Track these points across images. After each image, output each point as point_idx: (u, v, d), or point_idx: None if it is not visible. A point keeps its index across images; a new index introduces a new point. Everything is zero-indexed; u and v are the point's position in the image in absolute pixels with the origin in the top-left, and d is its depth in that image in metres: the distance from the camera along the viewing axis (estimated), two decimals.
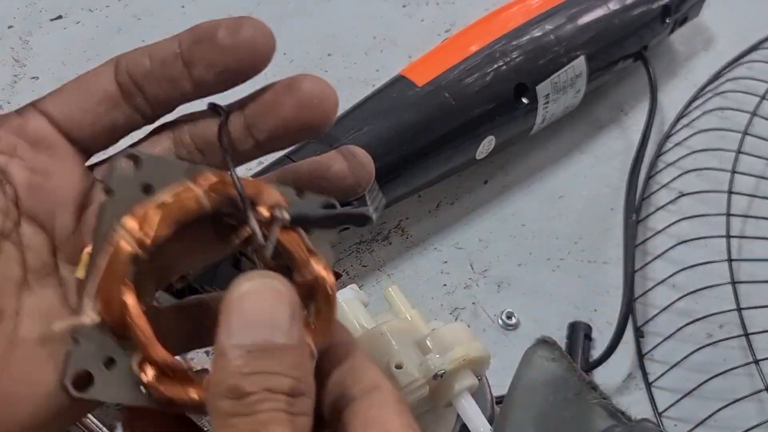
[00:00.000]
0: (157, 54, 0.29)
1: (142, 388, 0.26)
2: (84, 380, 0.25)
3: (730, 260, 0.56)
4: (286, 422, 0.22)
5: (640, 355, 0.55)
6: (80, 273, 0.26)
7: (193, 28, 0.28)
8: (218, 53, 0.28)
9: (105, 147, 0.29)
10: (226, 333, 0.23)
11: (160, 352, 0.25)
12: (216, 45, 0.28)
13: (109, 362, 0.26)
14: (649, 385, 0.54)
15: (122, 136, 0.29)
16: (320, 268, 0.27)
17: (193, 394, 0.25)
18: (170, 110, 0.30)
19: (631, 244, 0.57)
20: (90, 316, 0.25)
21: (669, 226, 0.59)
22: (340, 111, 0.56)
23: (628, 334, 0.54)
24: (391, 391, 0.26)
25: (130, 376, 0.26)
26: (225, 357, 0.23)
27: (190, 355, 0.43)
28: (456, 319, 0.55)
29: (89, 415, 0.47)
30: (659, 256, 0.58)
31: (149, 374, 0.25)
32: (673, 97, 0.68)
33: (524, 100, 0.57)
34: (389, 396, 0.26)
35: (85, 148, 0.29)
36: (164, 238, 0.26)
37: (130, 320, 0.25)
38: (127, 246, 0.25)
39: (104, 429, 0.47)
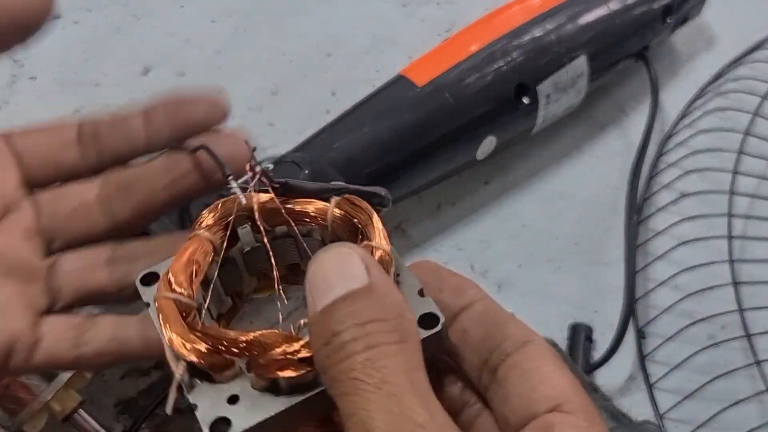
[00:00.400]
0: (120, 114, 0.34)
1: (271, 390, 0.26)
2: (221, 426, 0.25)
3: (731, 261, 0.56)
4: (392, 354, 0.23)
5: (642, 357, 0.55)
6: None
7: (159, 99, 0.35)
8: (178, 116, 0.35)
9: (48, 181, 0.34)
10: (312, 307, 0.24)
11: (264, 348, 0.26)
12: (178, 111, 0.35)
13: (232, 399, 0.26)
14: (650, 387, 0.54)
15: (66, 178, 0.34)
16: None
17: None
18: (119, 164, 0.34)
19: (633, 244, 0.57)
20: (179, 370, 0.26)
21: (670, 226, 0.59)
22: (341, 111, 0.56)
23: (630, 335, 0.54)
24: (544, 344, 0.26)
25: (255, 394, 0.26)
26: (315, 325, 0.24)
27: None
28: None
29: (87, 416, 0.47)
30: (660, 257, 0.58)
31: (269, 369, 0.26)
32: (674, 97, 0.67)
33: (525, 100, 0.57)
34: (544, 349, 0.26)
35: (30, 173, 0.34)
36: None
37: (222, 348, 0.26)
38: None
39: (102, 430, 0.47)
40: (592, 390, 0.48)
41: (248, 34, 0.69)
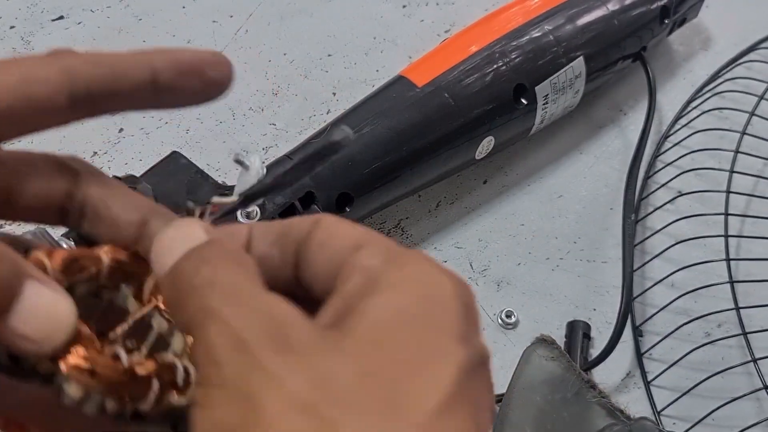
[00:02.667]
0: (127, 77, 0.28)
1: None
2: None
3: (728, 259, 0.56)
4: (230, 266, 0.23)
5: (639, 354, 0.55)
6: None
7: (170, 58, 0.28)
8: (204, 87, 0.28)
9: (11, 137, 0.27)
10: (160, 271, 0.25)
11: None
12: (204, 79, 0.29)
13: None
14: (647, 384, 0.54)
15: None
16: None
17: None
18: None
19: (630, 243, 0.57)
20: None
21: (667, 225, 0.59)
22: (341, 111, 0.57)
23: (627, 333, 0.55)
24: (330, 216, 0.26)
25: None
26: (166, 283, 0.24)
27: None
28: None
29: None
30: (658, 255, 0.58)
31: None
32: (671, 97, 0.68)
33: (523, 101, 0.57)
34: (331, 218, 0.26)
35: None
36: None
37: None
38: None
39: None
40: (590, 387, 0.48)
41: (249, 34, 0.69)
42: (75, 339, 0.24)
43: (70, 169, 0.27)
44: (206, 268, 0.23)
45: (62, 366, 0.24)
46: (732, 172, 0.60)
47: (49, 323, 0.24)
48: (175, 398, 0.25)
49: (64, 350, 0.24)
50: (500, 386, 0.46)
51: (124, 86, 0.27)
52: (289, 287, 0.26)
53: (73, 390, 0.24)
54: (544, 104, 0.58)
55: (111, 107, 0.28)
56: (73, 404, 0.24)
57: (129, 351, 0.26)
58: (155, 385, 0.25)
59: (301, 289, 0.26)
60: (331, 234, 0.25)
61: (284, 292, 0.25)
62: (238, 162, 0.36)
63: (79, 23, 0.69)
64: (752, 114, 0.63)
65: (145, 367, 0.25)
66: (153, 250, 0.26)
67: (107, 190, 0.27)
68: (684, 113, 0.66)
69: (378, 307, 0.22)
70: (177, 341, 0.26)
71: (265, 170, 0.35)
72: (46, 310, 0.24)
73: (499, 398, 0.48)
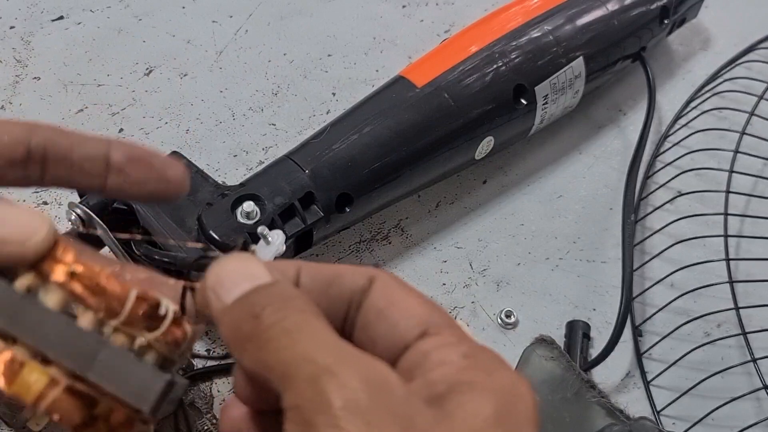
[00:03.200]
0: (83, 149, 0.30)
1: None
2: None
3: (727, 259, 0.56)
4: (317, 316, 0.24)
5: (639, 354, 0.55)
6: None
7: (127, 147, 0.31)
8: (149, 176, 0.31)
9: None
10: (218, 303, 0.26)
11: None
12: (150, 170, 0.31)
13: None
14: (647, 384, 0.54)
15: None
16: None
17: None
18: (61, 188, 0.32)
19: (630, 243, 0.57)
20: None
21: (667, 225, 0.59)
22: (341, 111, 0.57)
23: (627, 333, 0.55)
24: (386, 274, 0.27)
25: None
26: (226, 316, 0.25)
27: None
28: (455, 318, 0.56)
29: None
30: (657, 255, 0.58)
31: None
32: (671, 97, 0.68)
33: (523, 101, 0.57)
34: (389, 281, 0.26)
35: None
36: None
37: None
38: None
39: None
40: (590, 387, 0.49)
41: (249, 34, 0.69)
42: (57, 255, 0.27)
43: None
44: (295, 314, 0.24)
45: (48, 271, 0.27)
46: (731, 172, 0.60)
47: (28, 228, 0.26)
48: (146, 334, 0.27)
49: (47, 262, 0.26)
50: None
51: (77, 155, 0.30)
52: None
53: (51, 298, 0.26)
54: (543, 104, 0.59)
55: (62, 175, 0.30)
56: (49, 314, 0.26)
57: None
58: (130, 303, 0.27)
59: (345, 337, 0.26)
60: (391, 302, 0.26)
61: None
62: (262, 235, 0.37)
63: (79, 23, 0.69)
64: (752, 114, 0.63)
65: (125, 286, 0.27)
66: (210, 277, 0.26)
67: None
68: (683, 113, 0.66)
69: (474, 404, 0.23)
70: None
71: (284, 248, 0.36)
72: (25, 217, 0.26)
73: None
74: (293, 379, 0.23)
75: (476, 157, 0.58)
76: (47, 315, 0.27)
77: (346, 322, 0.27)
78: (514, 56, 0.57)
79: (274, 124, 0.64)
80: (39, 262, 0.27)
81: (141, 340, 0.27)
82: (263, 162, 0.61)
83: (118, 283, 0.27)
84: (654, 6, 0.63)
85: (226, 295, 0.25)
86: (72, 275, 0.27)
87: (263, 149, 0.62)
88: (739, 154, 0.61)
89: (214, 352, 0.53)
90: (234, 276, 0.26)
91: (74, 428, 0.27)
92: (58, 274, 0.27)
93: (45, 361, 0.27)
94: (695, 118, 0.65)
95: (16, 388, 0.26)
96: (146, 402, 0.26)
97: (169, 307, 0.28)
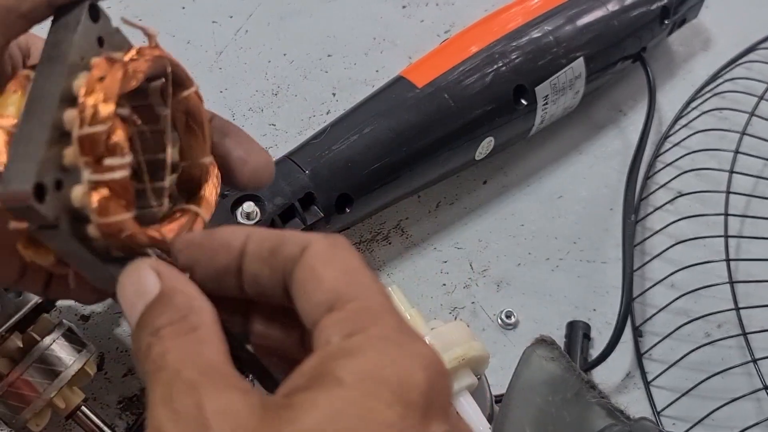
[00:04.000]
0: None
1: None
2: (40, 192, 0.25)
3: (728, 260, 0.56)
4: (177, 345, 0.24)
5: (639, 355, 0.55)
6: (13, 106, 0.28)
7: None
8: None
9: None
10: (131, 328, 0.26)
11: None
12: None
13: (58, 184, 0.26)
14: (647, 384, 0.54)
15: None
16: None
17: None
18: None
19: (630, 244, 0.57)
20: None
21: (667, 226, 0.59)
22: (341, 111, 0.57)
23: (627, 333, 0.55)
24: (319, 243, 0.25)
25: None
26: (133, 344, 0.26)
27: None
28: (455, 319, 0.56)
29: (90, 413, 0.47)
30: (658, 255, 0.58)
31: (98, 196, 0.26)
32: (671, 97, 0.68)
33: (523, 102, 0.57)
34: (318, 250, 0.25)
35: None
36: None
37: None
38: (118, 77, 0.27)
39: (105, 428, 0.47)
40: (590, 387, 0.48)
41: (249, 35, 0.69)
42: None
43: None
44: (156, 350, 0.24)
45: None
46: (732, 172, 0.60)
47: None
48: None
49: None
50: (500, 387, 0.46)
51: None
52: (282, 301, 0.26)
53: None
54: (544, 105, 0.58)
55: None
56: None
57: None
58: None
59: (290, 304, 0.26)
60: (312, 276, 0.25)
61: (278, 304, 0.26)
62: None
63: None
64: (752, 114, 0.63)
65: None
66: (118, 296, 0.27)
67: None
68: (684, 114, 0.66)
69: (319, 405, 0.21)
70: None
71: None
72: None
73: (499, 399, 0.48)
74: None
75: (476, 158, 0.58)
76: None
77: (287, 293, 0.26)
78: (514, 57, 0.57)
79: (274, 125, 0.64)
80: None
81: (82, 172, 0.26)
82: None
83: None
84: (654, 6, 0.63)
85: (132, 320, 0.26)
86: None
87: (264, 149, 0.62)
88: (739, 155, 0.61)
89: None
90: (130, 297, 0.26)
91: None
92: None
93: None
94: (695, 118, 0.65)
95: None
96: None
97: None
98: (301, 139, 0.55)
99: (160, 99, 0.30)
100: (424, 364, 0.22)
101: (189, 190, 0.31)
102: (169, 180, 0.30)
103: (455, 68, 0.56)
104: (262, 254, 0.26)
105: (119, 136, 0.26)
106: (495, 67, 0.56)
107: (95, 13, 0.29)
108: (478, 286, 0.57)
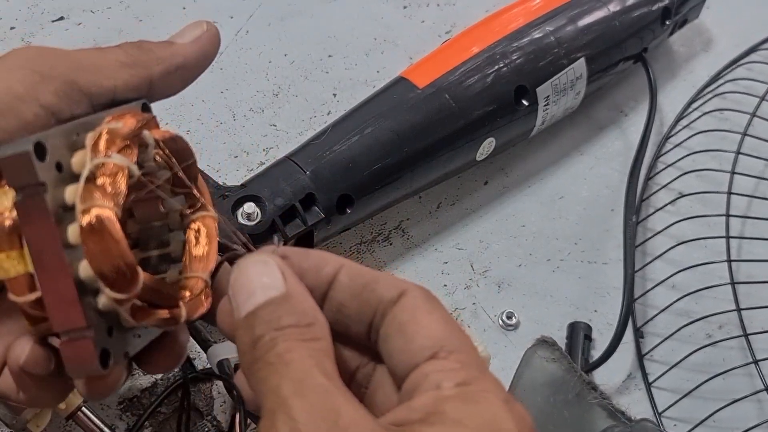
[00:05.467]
0: None
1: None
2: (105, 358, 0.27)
3: (729, 261, 0.56)
4: (302, 347, 0.25)
5: (640, 356, 0.55)
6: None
7: None
8: None
9: None
10: (237, 312, 0.27)
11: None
12: None
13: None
14: (648, 386, 0.54)
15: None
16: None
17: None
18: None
19: (631, 244, 0.57)
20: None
21: (668, 226, 0.59)
22: (342, 112, 0.57)
23: (628, 334, 0.54)
24: (417, 291, 0.27)
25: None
26: (240, 329, 0.26)
27: None
28: (456, 320, 0.56)
29: (90, 414, 0.47)
30: (659, 256, 0.58)
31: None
32: (672, 98, 0.68)
33: (524, 102, 0.57)
34: (417, 297, 0.27)
35: None
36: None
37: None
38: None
39: (106, 429, 0.47)
40: (591, 388, 0.48)
41: (250, 35, 0.69)
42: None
43: None
44: (282, 345, 0.25)
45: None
46: (733, 173, 0.60)
47: None
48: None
49: None
50: None
51: None
52: (358, 337, 0.28)
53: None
54: (545, 105, 0.58)
55: None
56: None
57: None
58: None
59: (369, 341, 0.28)
60: (413, 319, 0.26)
61: (352, 337, 0.28)
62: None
63: (79, 24, 0.69)
64: (753, 115, 0.63)
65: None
66: (231, 277, 0.27)
67: None
68: (685, 114, 0.66)
69: None
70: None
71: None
72: None
73: None
74: (262, 410, 0.24)
75: (477, 158, 0.58)
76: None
77: (372, 329, 0.28)
78: (515, 57, 0.57)
79: (275, 125, 0.64)
80: None
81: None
82: (264, 163, 0.61)
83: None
84: (655, 7, 0.63)
85: (243, 305, 0.27)
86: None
87: (264, 150, 0.62)
88: (740, 156, 0.61)
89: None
90: (250, 284, 0.27)
91: None
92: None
93: None
94: (697, 119, 0.65)
95: None
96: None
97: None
98: (301, 140, 0.55)
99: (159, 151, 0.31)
100: (528, 426, 0.25)
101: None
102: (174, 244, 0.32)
103: (456, 69, 0.56)
104: (354, 288, 0.28)
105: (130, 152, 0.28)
106: (496, 67, 0.56)
107: (41, 152, 0.27)
108: (479, 286, 0.57)
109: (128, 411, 0.51)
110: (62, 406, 0.46)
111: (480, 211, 0.61)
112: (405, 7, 0.72)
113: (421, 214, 0.60)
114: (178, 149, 0.32)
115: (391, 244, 0.59)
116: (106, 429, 0.47)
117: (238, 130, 0.63)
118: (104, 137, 0.28)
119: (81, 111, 0.31)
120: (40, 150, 0.26)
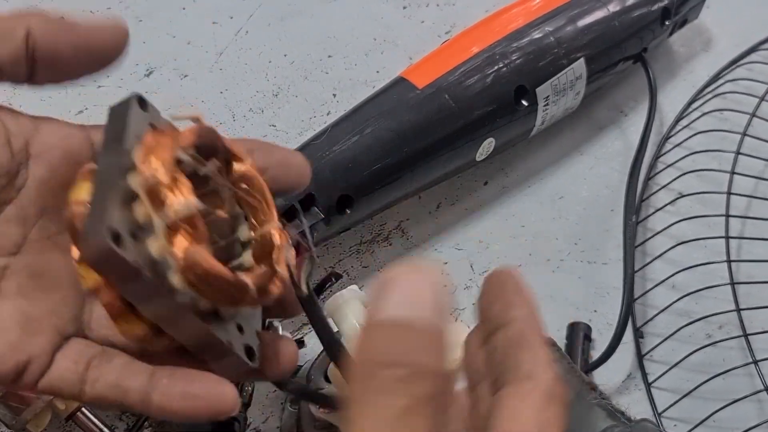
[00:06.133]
0: None
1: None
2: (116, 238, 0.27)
3: (729, 261, 0.56)
4: (398, 393, 0.22)
5: (640, 356, 0.55)
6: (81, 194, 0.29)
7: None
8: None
9: None
10: (373, 305, 0.24)
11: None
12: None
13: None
14: (648, 386, 0.54)
15: None
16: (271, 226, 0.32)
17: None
18: None
19: (631, 245, 0.57)
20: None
21: (668, 227, 0.59)
22: (342, 112, 0.57)
23: (628, 334, 0.55)
24: (543, 382, 0.26)
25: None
26: (368, 328, 0.24)
27: None
28: (456, 320, 0.56)
29: (90, 415, 0.47)
30: (659, 256, 0.58)
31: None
32: (672, 98, 0.68)
33: (524, 102, 0.57)
34: (538, 389, 0.26)
35: None
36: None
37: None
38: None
39: (105, 430, 0.47)
40: (591, 388, 0.48)
41: (250, 35, 0.69)
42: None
43: None
44: (402, 389, 0.22)
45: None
46: (733, 173, 0.60)
47: None
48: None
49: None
50: None
51: None
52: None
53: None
54: (544, 106, 0.58)
55: None
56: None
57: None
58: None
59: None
60: (507, 411, 0.25)
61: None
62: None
63: None
64: (753, 115, 0.63)
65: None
66: (389, 272, 0.25)
67: None
68: (685, 114, 0.66)
69: None
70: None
71: None
72: None
73: None
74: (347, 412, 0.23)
75: (477, 159, 0.58)
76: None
77: (496, 381, 0.27)
78: (515, 57, 0.57)
79: (275, 125, 0.64)
80: None
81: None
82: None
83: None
84: (655, 7, 0.63)
85: (385, 303, 0.24)
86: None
87: None
88: (740, 156, 0.61)
89: None
90: (406, 291, 0.24)
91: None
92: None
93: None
94: (696, 119, 0.65)
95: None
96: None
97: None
98: (301, 140, 0.55)
99: (221, 178, 0.32)
100: None
101: (262, 257, 0.33)
102: (244, 254, 0.33)
103: (456, 69, 0.56)
104: (505, 346, 0.27)
105: (182, 182, 0.29)
106: (496, 67, 0.56)
107: (143, 104, 0.32)
108: (479, 287, 0.57)
109: (128, 412, 0.51)
110: (62, 406, 0.46)
111: (480, 212, 0.61)
112: (405, 8, 0.72)
113: (421, 214, 0.60)
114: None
115: (390, 245, 0.59)
116: (105, 429, 0.47)
117: (238, 130, 0.63)
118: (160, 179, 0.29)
119: None
120: (116, 238, 0.27)
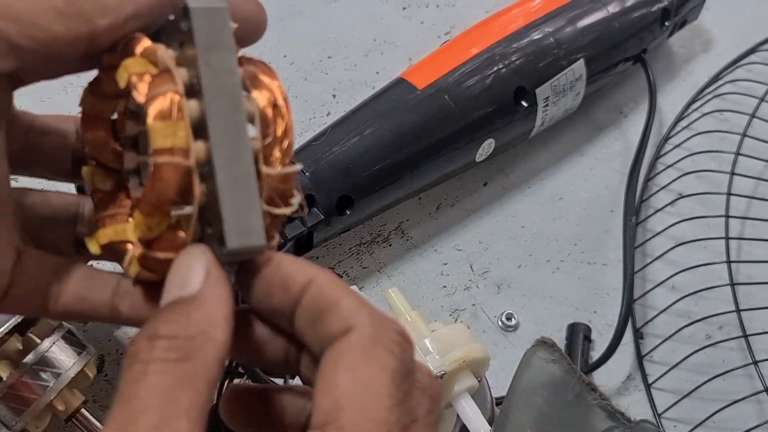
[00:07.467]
0: None
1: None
2: None
3: (729, 262, 0.56)
4: (162, 369, 0.22)
5: (640, 357, 0.55)
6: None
7: None
8: None
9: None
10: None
11: None
12: None
13: None
14: (648, 387, 0.54)
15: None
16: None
17: None
18: None
19: (631, 245, 0.57)
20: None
21: (668, 227, 0.59)
22: (341, 113, 0.57)
23: (628, 335, 0.55)
24: (362, 332, 0.24)
25: None
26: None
27: None
28: (456, 321, 0.56)
29: (90, 416, 0.47)
30: (659, 257, 0.58)
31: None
32: (672, 99, 0.68)
33: (524, 103, 0.57)
34: (358, 341, 0.24)
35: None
36: None
37: None
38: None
39: None
40: (591, 389, 0.48)
41: None
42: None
43: None
44: (141, 362, 0.22)
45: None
46: (733, 174, 0.60)
47: None
48: None
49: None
50: (501, 388, 0.46)
51: None
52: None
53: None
54: (544, 106, 0.58)
55: None
56: None
57: None
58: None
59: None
60: (331, 374, 0.24)
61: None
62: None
63: None
64: (753, 116, 0.63)
65: None
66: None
67: None
68: (684, 115, 0.66)
69: None
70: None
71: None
72: None
73: (500, 400, 0.48)
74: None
75: (477, 159, 0.58)
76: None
77: (321, 344, 0.25)
78: (514, 58, 0.57)
79: None
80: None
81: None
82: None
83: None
84: (655, 8, 0.63)
85: (165, 295, 0.24)
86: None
87: None
88: (740, 156, 0.61)
89: None
90: (170, 280, 0.24)
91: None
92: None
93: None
94: (696, 120, 0.65)
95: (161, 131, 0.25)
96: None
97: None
98: (301, 141, 0.55)
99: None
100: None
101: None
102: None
103: (456, 70, 0.56)
104: (312, 315, 0.25)
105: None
106: (495, 68, 0.56)
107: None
108: (478, 287, 0.57)
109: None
110: (62, 407, 0.46)
111: (480, 212, 0.61)
112: (404, 8, 0.72)
113: (421, 215, 0.60)
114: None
115: (390, 246, 0.59)
116: None
117: None
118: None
119: (5, 66, 0.26)
120: None
